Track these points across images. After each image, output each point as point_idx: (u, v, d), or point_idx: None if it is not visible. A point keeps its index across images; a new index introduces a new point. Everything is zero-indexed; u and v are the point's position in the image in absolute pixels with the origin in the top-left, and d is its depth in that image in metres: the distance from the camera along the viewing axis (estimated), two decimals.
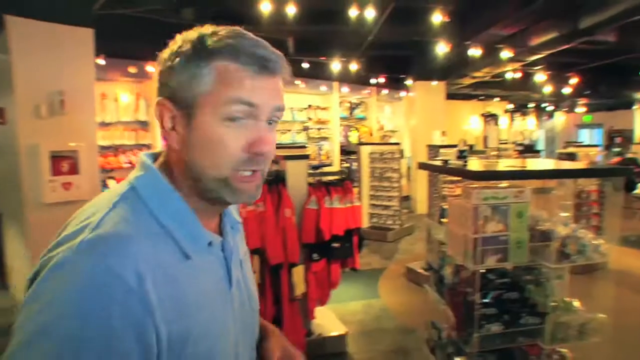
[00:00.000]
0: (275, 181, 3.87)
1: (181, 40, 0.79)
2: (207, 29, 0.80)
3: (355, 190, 9.46)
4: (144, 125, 7.73)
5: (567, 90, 11.25)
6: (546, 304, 2.13)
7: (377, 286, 5.85)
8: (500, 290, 2.20)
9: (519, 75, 9.61)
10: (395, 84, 10.70)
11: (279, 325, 3.43)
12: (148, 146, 7.74)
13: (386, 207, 8.56)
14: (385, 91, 11.22)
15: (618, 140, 15.75)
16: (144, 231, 0.75)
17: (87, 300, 0.65)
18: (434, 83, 10.12)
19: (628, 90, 12.60)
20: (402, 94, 11.54)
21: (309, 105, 10.28)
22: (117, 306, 0.66)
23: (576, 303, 2.28)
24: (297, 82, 9.41)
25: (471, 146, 12.10)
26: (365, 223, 8.63)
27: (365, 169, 8.67)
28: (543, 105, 16.94)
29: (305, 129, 10.20)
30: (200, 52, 0.77)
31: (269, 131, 0.82)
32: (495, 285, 2.25)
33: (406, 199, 10.93)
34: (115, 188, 0.82)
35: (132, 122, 7.57)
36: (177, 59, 0.78)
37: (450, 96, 11.93)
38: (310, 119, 10.25)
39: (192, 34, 0.79)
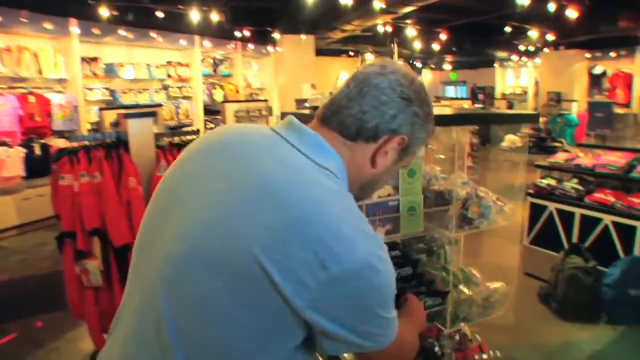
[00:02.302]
0: (115, 145, 3.17)
1: (426, 97, 0.99)
2: None
3: None
4: None
5: (436, 47, 11.41)
6: (445, 279, 1.72)
7: None
8: None
9: (389, 29, 9.44)
10: (262, 38, 9.99)
11: None
12: None
13: None
14: (251, 46, 10.45)
15: (481, 96, 16.74)
16: None
17: None
18: (303, 37, 9.61)
19: (491, 49, 13.22)
20: (270, 49, 10.87)
21: (168, 62, 9.22)
22: None
23: (475, 272, 1.91)
24: (153, 34, 8.31)
25: None
26: None
27: None
28: (412, 62, 17.34)
29: (165, 87, 9.15)
30: (433, 129, 1.05)
31: None
32: None
33: None
34: None
35: None
36: (423, 116, 0.98)
37: (320, 52, 11.55)
38: (170, 76, 9.20)
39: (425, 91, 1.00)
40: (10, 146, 6.64)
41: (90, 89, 8.00)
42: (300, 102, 7.99)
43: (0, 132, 6.59)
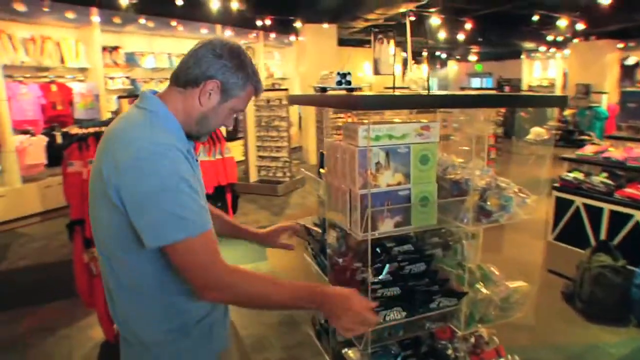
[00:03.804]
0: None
1: (239, 55, 1.36)
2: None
3: (241, 141, 8.78)
4: None
5: (460, 37, 11.11)
6: (461, 277, 1.59)
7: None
8: (401, 262, 1.61)
9: (413, 19, 9.19)
10: (284, 27, 9.85)
11: None
12: None
13: (275, 159, 7.92)
14: (273, 35, 10.33)
15: (507, 89, 16.31)
16: None
17: None
18: (325, 26, 9.44)
19: (518, 39, 12.82)
20: (292, 38, 10.74)
21: None
22: None
23: (495, 270, 1.77)
24: (174, 23, 8.26)
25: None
26: (253, 177, 7.98)
27: (251, 118, 7.90)
28: (436, 53, 17.02)
29: None
30: (249, 77, 1.37)
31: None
32: (394, 255, 1.66)
33: (298, 149, 10.40)
34: None
35: None
36: (232, 66, 1.34)
37: (343, 42, 11.37)
38: None
39: (246, 56, 1.38)
40: (33, 134, 6.70)
41: (112, 78, 8.02)
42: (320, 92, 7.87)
43: (24, 120, 6.64)
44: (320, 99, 1.70)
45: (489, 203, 1.53)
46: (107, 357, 3.25)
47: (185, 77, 1.33)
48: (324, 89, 1.65)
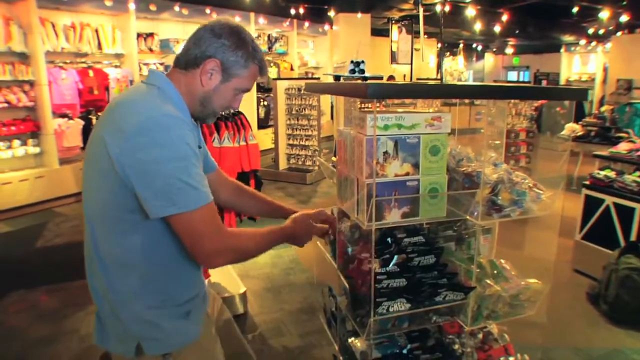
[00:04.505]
0: None
1: (238, 33, 1.37)
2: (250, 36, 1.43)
3: (271, 129, 8.84)
4: (22, 57, 6.45)
5: (497, 29, 10.84)
6: (469, 271, 1.58)
7: None
8: (409, 254, 1.60)
9: (447, 9, 9.03)
10: (318, 16, 9.82)
11: None
12: (30, 82, 6.54)
13: (304, 147, 7.96)
14: (306, 24, 10.31)
15: (544, 82, 15.84)
16: None
17: None
18: (359, 16, 9.36)
19: (556, 32, 12.44)
20: (326, 27, 10.69)
21: None
22: None
23: (507, 266, 1.75)
24: (207, 10, 8.34)
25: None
26: (282, 165, 8.03)
27: (282, 106, 7.92)
28: (473, 45, 16.69)
29: None
30: (250, 54, 1.38)
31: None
32: (404, 246, 1.64)
33: (330, 139, 10.39)
34: None
35: (3, 53, 6.26)
36: (231, 45, 1.35)
37: (377, 32, 11.25)
38: None
39: (245, 34, 1.40)
40: (70, 118, 6.91)
41: (146, 64, 8.17)
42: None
43: (63, 104, 6.85)
44: (332, 87, 1.70)
45: (500, 197, 1.50)
46: None
47: (186, 58, 1.36)
48: (337, 77, 1.65)
